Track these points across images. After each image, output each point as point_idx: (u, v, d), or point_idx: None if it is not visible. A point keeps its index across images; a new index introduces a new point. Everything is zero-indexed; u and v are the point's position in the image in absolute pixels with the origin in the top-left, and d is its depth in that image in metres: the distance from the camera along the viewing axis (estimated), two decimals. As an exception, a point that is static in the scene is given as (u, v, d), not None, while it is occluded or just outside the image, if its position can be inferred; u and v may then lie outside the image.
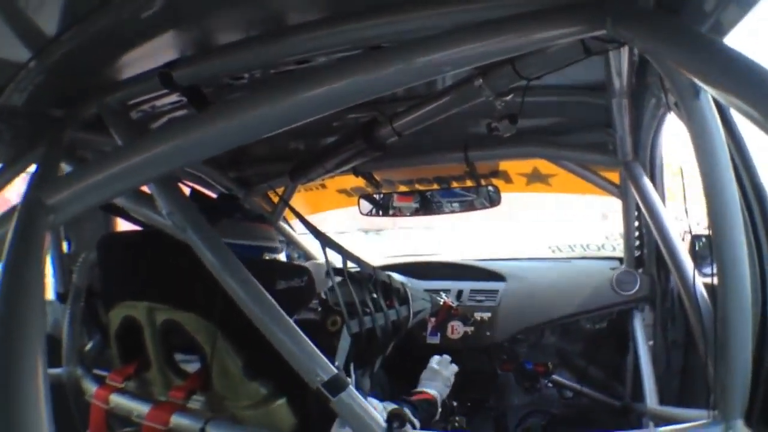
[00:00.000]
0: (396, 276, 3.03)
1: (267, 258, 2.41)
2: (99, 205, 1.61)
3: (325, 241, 2.29)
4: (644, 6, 1.27)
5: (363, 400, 1.86)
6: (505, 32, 1.29)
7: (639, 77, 2.04)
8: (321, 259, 2.39)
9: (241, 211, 2.39)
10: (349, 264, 2.50)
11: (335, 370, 1.80)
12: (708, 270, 2.00)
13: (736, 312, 1.53)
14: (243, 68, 1.79)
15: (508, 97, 1.93)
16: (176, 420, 1.97)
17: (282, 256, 2.61)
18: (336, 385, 1.79)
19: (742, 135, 1.83)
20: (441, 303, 3.66)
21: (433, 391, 2.55)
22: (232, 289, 1.77)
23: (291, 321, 1.81)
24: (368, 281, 2.57)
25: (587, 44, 1.56)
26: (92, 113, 1.94)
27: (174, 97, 2.01)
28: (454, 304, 3.75)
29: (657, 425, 2.70)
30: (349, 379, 1.91)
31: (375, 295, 2.59)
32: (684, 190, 1.99)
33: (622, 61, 1.75)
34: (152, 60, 1.73)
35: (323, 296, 2.35)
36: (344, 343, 2.21)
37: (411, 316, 2.96)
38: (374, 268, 2.67)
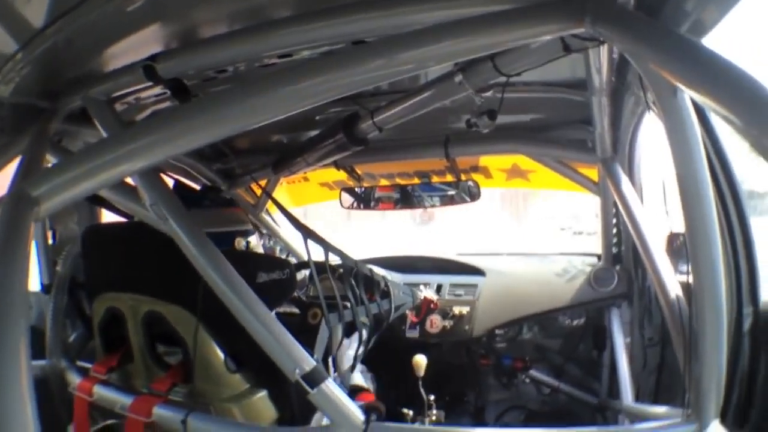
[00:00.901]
0: (376, 269, 3.04)
1: (241, 244, 2.42)
2: (84, 196, 1.61)
3: (307, 234, 2.30)
4: (624, 5, 1.29)
5: (341, 392, 1.87)
6: (485, 29, 1.30)
7: (619, 75, 2.06)
8: (303, 252, 2.40)
9: (208, 198, 2.40)
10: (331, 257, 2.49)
11: (314, 363, 1.82)
12: (685, 268, 2.03)
13: (710, 311, 1.54)
14: (226, 61, 1.79)
15: (488, 93, 1.95)
16: (158, 412, 1.99)
17: (255, 239, 2.59)
18: (314, 378, 1.80)
19: (719, 134, 1.86)
20: (422, 297, 3.68)
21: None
22: (213, 281, 1.79)
23: (271, 314, 1.84)
24: (350, 274, 2.58)
25: (567, 42, 1.57)
26: (77, 105, 1.95)
27: (158, 90, 2.00)
28: (434, 298, 3.77)
29: (632, 422, 2.74)
30: (334, 372, 1.92)
31: (357, 289, 2.60)
32: (664, 189, 2.01)
33: (601, 58, 1.75)
34: (137, 52, 1.74)
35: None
36: (323, 335, 2.22)
37: (392, 309, 2.98)
38: (356, 261, 2.68)
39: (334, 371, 2.37)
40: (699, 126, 1.45)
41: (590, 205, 4.21)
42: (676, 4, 1.30)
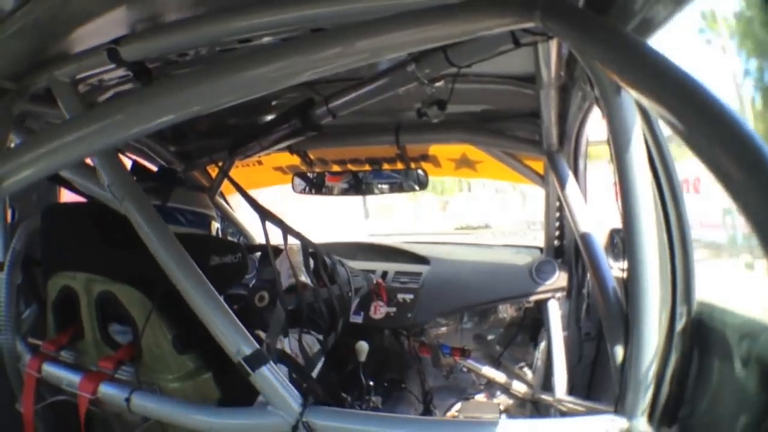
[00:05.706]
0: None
1: (204, 232, 2.44)
2: (46, 176, 1.62)
3: (265, 215, 2.29)
4: (573, 1, 1.30)
5: (281, 375, 1.89)
6: (438, 20, 1.32)
7: (567, 70, 2.08)
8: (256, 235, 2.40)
9: (188, 181, 2.40)
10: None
11: (257, 346, 1.83)
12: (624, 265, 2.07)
13: (643, 308, 1.57)
14: (188, 45, 1.79)
15: (440, 83, 1.96)
16: (103, 389, 2.02)
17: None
18: (256, 360, 1.82)
19: (662, 134, 1.89)
20: (375, 282, 3.70)
21: None
22: (164, 262, 1.81)
23: (219, 296, 1.85)
24: (309, 257, 2.58)
25: (516, 35, 1.60)
26: (42, 86, 1.95)
27: (121, 72, 2.01)
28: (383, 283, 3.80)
29: (563, 416, 2.79)
30: (298, 353, 1.93)
31: (320, 271, 2.64)
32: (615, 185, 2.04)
33: (550, 53, 1.78)
34: (101, 35, 1.74)
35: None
36: (278, 318, 2.22)
37: (353, 292, 3.00)
38: (315, 245, 2.68)
39: (304, 353, 2.36)
40: (643, 125, 1.48)
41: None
42: (624, 2, 1.32)
